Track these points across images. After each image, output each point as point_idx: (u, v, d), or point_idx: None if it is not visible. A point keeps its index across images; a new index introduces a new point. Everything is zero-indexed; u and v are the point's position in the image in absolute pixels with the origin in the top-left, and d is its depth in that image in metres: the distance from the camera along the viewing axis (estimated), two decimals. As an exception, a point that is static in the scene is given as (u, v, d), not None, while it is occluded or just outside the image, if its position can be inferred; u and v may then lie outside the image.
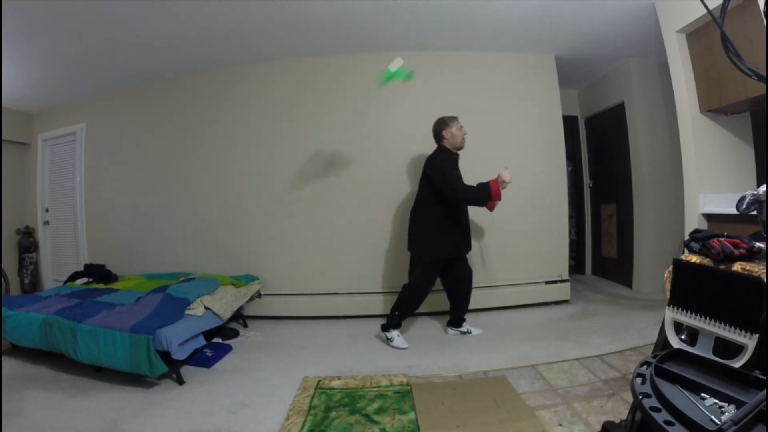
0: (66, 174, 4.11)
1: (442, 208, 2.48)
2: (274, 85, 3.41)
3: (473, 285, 2.75)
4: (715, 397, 0.89)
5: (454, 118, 2.55)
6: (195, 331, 2.32)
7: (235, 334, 2.88)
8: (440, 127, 2.55)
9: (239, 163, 3.45)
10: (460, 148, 2.57)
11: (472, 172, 3.25)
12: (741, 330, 0.99)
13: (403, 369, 2.21)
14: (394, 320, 2.60)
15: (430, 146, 2.98)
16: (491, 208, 2.60)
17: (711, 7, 1.34)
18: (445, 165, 2.47)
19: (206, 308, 2.51)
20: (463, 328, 2.74)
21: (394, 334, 2.57)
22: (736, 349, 1.00)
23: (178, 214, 3.59)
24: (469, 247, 2.66)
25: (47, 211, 4.28)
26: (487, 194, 2.32)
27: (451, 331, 2.77)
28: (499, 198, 2.34)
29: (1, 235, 4.00)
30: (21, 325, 2.35)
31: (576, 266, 4.45)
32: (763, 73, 1.20)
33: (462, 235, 2.59)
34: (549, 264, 3.37)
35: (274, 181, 3.39)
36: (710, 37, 2.26)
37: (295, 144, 3.36)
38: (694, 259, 1.21)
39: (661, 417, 0.84)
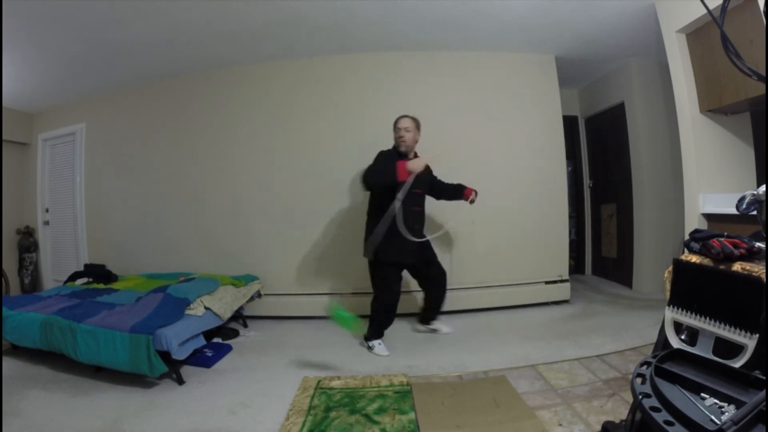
0: (66, 174, 4.11)
1: (385, 213, 2.37)
2: (274, 85, 3.41)
3: (472, 286, 2.74)
4: (715, 397, 0.89)
5: (397, 119, 2.47)
6: (195, 331, 2.32)
7: (235, 334, 2.88)
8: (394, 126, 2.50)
9: (239, 163, 3.45)
10: (400, 151, 2.44)
11: (472, 171, 3.27)
12: (741, 330, 0.99)
13: (403, 369, 2.21)
14: (375, 332, 2.54)
15: (429, 147, 2.97)
16: (467, 199, 2.58)
17: (711, 7, 1.34)
18: (378, 157, 2.41)
19: (206, 308, 2.51)
20: (432, 326, 2.74)
21: (374, 343, 2.53)
22: (736, 349, 1.00)
23: (178, 214, 3.59)
24: (430, 254, 2.58)
25: (47, 211, 4.28)
26: (391, 169, 2.23)
27: (420, 327, 2.78)
28: (405, 176, 2.21)
29: (1, 235, 4.00)
30: (21, 325, 2.35)
31: (576, 266, 4.44)
32: (763, 73, 1.20)
33: (412, 242, 2.40)
34: (549, 264, 3.37)
35: (274, 180, 3.39)
36: (710, 37, 2.26)
37: (296, 144, 3.36)
38: (694, 259, 1.21)
39: (661, 417, 0.84)
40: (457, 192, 2.65)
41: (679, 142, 2.52)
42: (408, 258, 2.44)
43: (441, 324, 2.78)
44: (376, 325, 2.54)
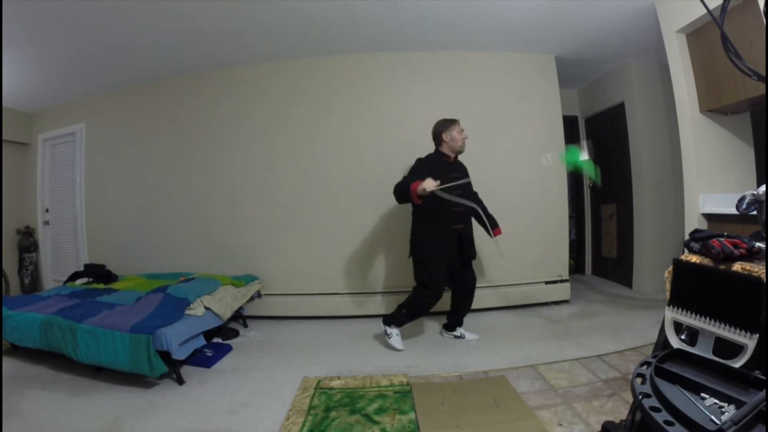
0: (66, 174, 4.11)
1: (429, 212, 2.42)
2: (275, 85, 3.41)
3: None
4: (715, 397, 0.89)
5: (455, 121, 2.48)
6: (195, 331, 2.32)
7: (235, 334, 2.88)
8: (440, 129, 2.49)
9: (239, 163, 3.45)
10: (459, 152, 2.51)
11: (472, 172, 3.27)
12: (741, 330, 0.99)
13: (403, 369, 2.21)
14: (398, 318, 2.52)
15: (430, 147, 2.97)
16: (494, 235, 2.58)
17: (711, 7, 1.34)
18: (416, 166, 2.43)
19: (206, 308, 2.51)
20: (457, 333, 2.68)
21: (393, 331, 2.51)
22: (736, 349, 1.00)
23: (178, 214, 3.59)
24: (471, 254, 2.55)
25: (47, 211, 4.28)
26: (404, 192, 2.29)
27: (445, 334, 2.73)
28: (416, 199, 2.26)
29: (1, 235, 4.00)
30: (21, 325, 2.35)
31: (576, 266, 4.44)
32: (763, 73, 1.20)
33: (461, 239, 2.48)
34: (549, 264, 3.37)
35: (274, 180, 3.39)
36: (710, 37, 2.27)
37: (296, 144, 3.36)
38: (694, 259, 1.21)
39: (661, 417, 0.84)
40: (488, 221, 2.58)
41: (679, 142, 2.52)
42: (444, 256, 2.44)
43: (465, 330, 2.70)
44: (405, 314, 2.51)
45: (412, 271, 2.55)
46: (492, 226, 2.58)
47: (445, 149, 2.50)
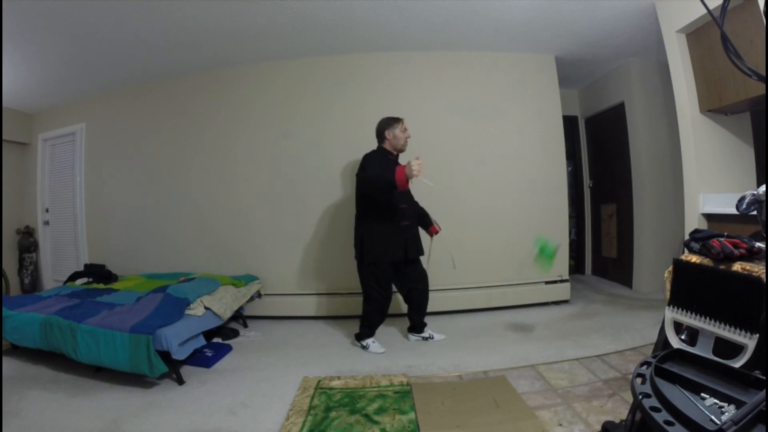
0: (66, 174, 4.11)
1: (380, 211, 2.40)
2: (275, 84, 3.41)
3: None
4: (715, 397, 0.89)
5: (399, 120, 2.48)
6: (195, 331, 2.32)
7: (235, 334, 2.88)
8: (383, 127, 2.48)
9: (239, 163, 3.45)
10: (401, 151, 2.51)
11: (472, 171, 3.27)
12: (741, 330, 0.99)
13: (403, 369, 2.21)
14: (365, 332, 2.56)
15: (428, 146, 2.97)
16: (431, 234, 2.61)
17: (711, 7, 1.34)
18: (371, 161, 2.38)
19: (206, 308, 2.50)
20: (425, 333, 2.66)
21: (368, 341, 2.53)
22: (736, 349, 1.00)
23: (178, 214, 3.59)
24: (418, 251, 2.55)
25: (47, 211, 4.28)
26: (390, 178, 2.15)
27: (412, 337, 2.69)
28: (404, 184, 2.13)
29: (1, 235, 4.00)
30: (21, 325, 2.35)
31: (576, 266, 4.44)
32: (763, 73, 1.20)
33: (407, 237, 2.48)
34: (549, 264, 3.37)
35: (274, 180, 3.39)
36: (710, 37, 2.27)
37: (296, 143, 3.36)
38: (694, 259, 1.21)
39: (661, 417, 0.84)
40: (422, 219, 2.63)
41: (679, 142, 2.52)
42: (392, 255, 2.44)
43: (433, 331, 2.69)
44: (368, 325, 2.55)
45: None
46: (429, 223, 2.62)
47: (387, 146, 2.49)
